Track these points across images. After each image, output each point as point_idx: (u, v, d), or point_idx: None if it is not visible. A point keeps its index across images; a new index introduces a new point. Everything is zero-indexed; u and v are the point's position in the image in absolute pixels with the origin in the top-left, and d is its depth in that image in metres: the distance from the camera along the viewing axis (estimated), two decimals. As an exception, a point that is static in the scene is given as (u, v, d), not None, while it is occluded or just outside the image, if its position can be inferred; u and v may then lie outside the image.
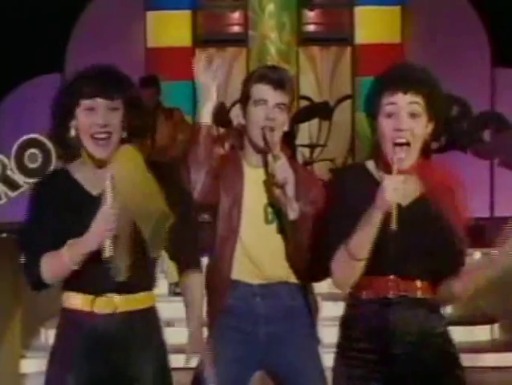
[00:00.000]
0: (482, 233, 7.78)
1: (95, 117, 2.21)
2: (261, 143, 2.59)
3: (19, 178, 8.78)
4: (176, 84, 8.65)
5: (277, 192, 2.52)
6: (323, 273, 2.42)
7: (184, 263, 2.37)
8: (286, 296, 2.62)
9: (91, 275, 2.20)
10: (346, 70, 9.13)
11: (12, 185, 8.79)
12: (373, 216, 2.12)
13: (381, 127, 2.18)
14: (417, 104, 2.16)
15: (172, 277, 5.96)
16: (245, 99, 2.67)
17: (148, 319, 2.29)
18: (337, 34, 9.16)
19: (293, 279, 2.64)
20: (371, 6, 8.96)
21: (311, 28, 9.25)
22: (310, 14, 9.21)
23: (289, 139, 6.85)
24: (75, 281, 2.24)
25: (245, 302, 2.60)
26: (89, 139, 2.22)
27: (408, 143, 2.15)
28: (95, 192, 2.23)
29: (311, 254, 2.51)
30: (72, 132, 2.24)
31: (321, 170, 8.83)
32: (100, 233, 2.13)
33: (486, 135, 8.79)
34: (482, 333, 5.49)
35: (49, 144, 8.65)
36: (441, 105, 2.25)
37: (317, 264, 2.45)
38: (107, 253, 2.14)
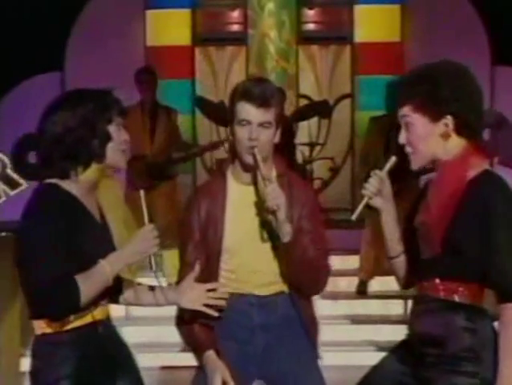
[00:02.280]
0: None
1: (124, 134, 2.36)
2: (247, 161, 2.58)
3: (18, 177, 8.78)
4: (175, 82, 8.66)
5: (269, 216, 2.52)
6: (318, 287, 2.59)
7: None
8: (282, 305, 2.63)
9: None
10: (345, 69, 9.12)
11: (11, 184, 8.80)
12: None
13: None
14: (407, 117, 2.27)
15: (171, 277, 5.97)
16: (231, 117, 2.62)
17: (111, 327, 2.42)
18: (336, 33, 9.15)
19: (286, 289, 2.65)
20: (371, 4, 8.96)
21: (311, 27, 9.24)
22: (310, 13, 9.20)
23: (288, 138, 6.87)
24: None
25: (241, 313, 2.61)
26: (120, 153, 2.34)
27: (411, 153, 2.30)
28: (92, 211, 2.35)
29: (307, 269, 2.54)
30: (95, 143, 2.28)
31: (320, 169, 8.84)
32: (146, 250, 2.27)
33: (486, 133, 8.80)
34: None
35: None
36: (448, 101, 2.28)
37: (312, 278, 2.51)
38: (153, 266, 2.30)
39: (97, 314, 2.30)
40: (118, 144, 2.31)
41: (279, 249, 2.56)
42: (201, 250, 2.61)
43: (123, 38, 8.69)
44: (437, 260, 2.24)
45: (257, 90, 2.57)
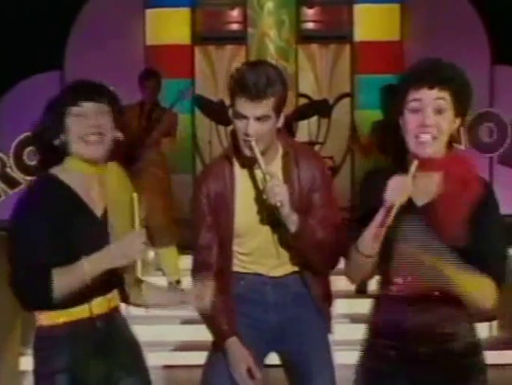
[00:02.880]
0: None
1: (85, 120, 2.26)
2: (245, 154, 2.54)
3: (18, 175, 8.78)
4: (175, 82, 8.65)
5: (275, 210, 2.51)
6: (330, 264, 2.55)
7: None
8: (294, 284, 2.67)
9: (91, 284, 2.24)
10: (345, 68, 9.12)
11: (11, 183, 8.80)
12: (378, 215, 2.13)
13: (406, 122, 2.15)
14: (443, 100, 2.13)
15: (171, 274, 5.97)
16: (231, 106, 2.54)
17: (122, 316, 2.41)
18: (336, 32, 9.15)
19: (298, 269, 2.67)
20: (371, 3, 8.96)
21: (310, 26, 9.24)
22: (309, 12, 9.20)
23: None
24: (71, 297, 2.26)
25: (256, 291, 2.65)
26: (81, 142, 2.26)
27: (433, 138, 2.13)
28: (90, 204, 2.29)
29: (317, 250, 2.54)
30: (62, 138, 2.26)
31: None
32: (135, 255, 2.21)
33: (485, 133, 8.80)
34: (481, 330, 5.47)
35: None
36: (469, 100, 2.22)
37: (322, 257, 2.50)
38: (138, 273, 2.24)
39: (96, 308, 2.27)
40: (76, 134, 2.25)
41: (287, 235, 2.57)
42: (213, 233, 2.60)
43: (122, 37, 8.69)
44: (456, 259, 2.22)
45: (253, 82, 2.43)
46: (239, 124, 2.50)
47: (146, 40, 8.86)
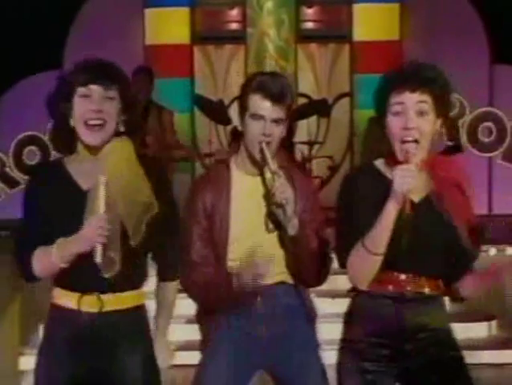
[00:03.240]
0: (480, 231, 7.80)
1: (89, 104, 2.22)
2: (257, 156, 2.56)
3: (17, 175, 8.77)
4: (174, 81, 8.65)
5: (278, 210, 2.51)
6: (321, 278, 2.55)
7: (163, 271, 2.41)
8: (283, 296, 2.63)
9: (79, 272, 2.21)
10: (344, 68, 9.12)
11: (10, 182, 8.79)
12: (387, 209, 2.14)
13: (389, 126, 2.19)
14: (425, 103, 2.17)
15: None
16: (242, 108, 2.58)
17: (136, 318, 2.30)
18: (335, 32, 9.15)
19: (289, 280, 2.65)
20: (370, 3, 8.95)
21: (310, 25, 9.24)
22: (309, 11, 9.20)
23: (287, 137, 6.86)
24: (63, 278, 2.25)
25: (245, 303, 2.61)
26: (83, 126, 2.23)
27: (415, 141, 2.16)
28: (85, 187, 2.24)
29: (312, 259, 2.53)
30: (71, 122, 2.24)
31: (319, 167, 8.84)
32: (92, 238, 2.15)
33: (484, 132, 8.80)
34: (480, 330, 5.50)
35: (47, 141, 8.66)
36: (450, 101, 2.26)
37: (316, 268, 2.49)
38: (98, 258, 2.16)
39: (85, 302, 2.22)
40: (79, 117, 2.22)
41: (284, 240, 2.56)
42: (207, 239, 2.60)
43: (122, 36, 8.69)
44: (438, 258, 2.25)
45: (274, 85, 2.53)
46: (254, 125, 2.54)
47: (145, 39, 8.86)
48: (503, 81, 8.66)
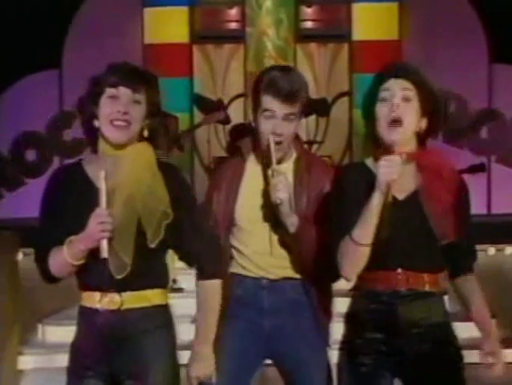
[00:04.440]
0: (480, 230, 7.81)
1: (117, 105, 2.24)
2: (264, 149, 2.58)
3: (17, 174, 8.78)
4: (173, 80, 8.65)
5: (274, 208, 2.53)
6: (332, 275, 2.49)
7: (200, 271, 2.37)
8: (290, 290, 2.65)
9: (97, 272, 2.22)
10: (343, 67, 9.13)
11: (10, 181, 8.80)
12: (372, 199, 2.21)
13: (378, 112, 2.30)
14: (409, 90, 2.29)
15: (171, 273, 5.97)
16: (255, 104, 2.59)
17: (156, 316, 2.30)
18: (335, 31, 9.17)
19: (297, 275, 2.66)
20: (369, 2, 8.97)
21: (309, 25, 9.25)
22: (308, 11, 9.21)
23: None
24: (84, 279, 2.27)
25: (252, 294, 2.63)
26: (108, 125, 2.24)
27: (400, 121, 2.26)
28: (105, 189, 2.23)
29: (317, 258, 2.54)
30: (96, 123, 2.26)
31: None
32: (95, 235, 2.15)
33: (483, 132, 8.81)
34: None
35: (46, 139, 8.67)
36: (434, 102, 2.35)
37: (324, 267, 2.50)
38: (104, 253, 2.16)
39: (106, 302, 2.24)
40: (105, 116, 2.23)
41: (286, 236, 2.57)
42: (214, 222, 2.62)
43: (120, 35, 8.70)
44: (430, 253, 2.29)
45: (284, 83, 2.53)
46: (266, 123, 2.55)
47: (144, 39, 8.87)
48: (502, 80, 8.67)
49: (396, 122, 2.25)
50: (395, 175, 2.18)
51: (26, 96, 8.28)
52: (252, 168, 2.66)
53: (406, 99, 2.28)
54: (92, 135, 2.29)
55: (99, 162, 2.29)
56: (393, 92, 2.28)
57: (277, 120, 2.54)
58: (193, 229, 2.32)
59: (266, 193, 2.57)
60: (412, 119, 2.28)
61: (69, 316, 4.85)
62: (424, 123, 2.31)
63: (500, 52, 8.51)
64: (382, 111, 2.28)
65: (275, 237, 2.61)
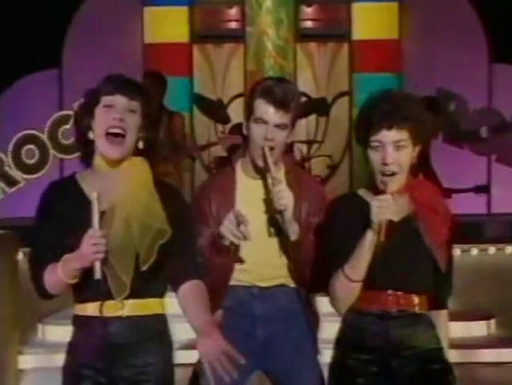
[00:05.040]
0: (480, 230, 7.81)
1: (112, 113, 2.24)
2: (258, 161, 2.59)
3: (16, 174, 8.77)
4: (173, 80, 8.64)
5: (276, 216, 2.52)
6: (322, 286, 2.50)
7: (179, 279, 2.31)
8: (283, 298, 2.64)
9: (94, 286, 2.20)
10: (343, 67, 9.12)
11: (9, 181, 8.79)
12: (365, 237, 2.25)
13: (370, 160, 2.32)
14: (402, 140, 2.29)
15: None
16: (248, 112, 2.62)
17: (156, 325, 2.30)
18: (334, 31, 9.16)
19: (291, 283, 2.65)
20: (369, 2, 8.95)
21: (309, 24, 9.24)
22: (308, 10, 9.20)
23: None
24: (81, 292, 2.27)
25: (243, 304, 2.62)
26: (103, 137, 2.24)
27: (394, 174, 2.28)
28: (102, 205, 2.22)
29: (312, 267, 2.54)
30: (90, 135, 2.25)
31: (318, 166, 8.85)
32: (88, 256, 2.15)
33: (484, 131, 8.81)
34: (479, 328, 5.51)
35: (46, 140, 8.66)
36: (427, 131, 2.40)
37: (316, 276, 2.51)
38: (97, 275, 2.15)
39: (107, 309, 2.23)
40: (101, 125, 2.23)
41: (286, 244, 2.57)
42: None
43: (120, 35, 8.69)
44: (425, 275, 2.33)
45: (278, 91, 2.55)
46: (258, 129, 2.57)
47: (144, 38, 8.86)
48: (502, 80, 8.67)
49: (389, 174, 2.27)
50: (388, 215, 2.21)
51: (25, 96, 8.27)
52: (243, 178, 2.65)
53: (398, 148, 2.28)
54: (87, 150, 2.28)
55: (94, 177, 2.28)
56: (385, 143, 2.27)
57: (269, 126, 2.54)
58: (183, 248, 2.29)
59: (263, 203, 2.58)
60: (406, 163, 2.31)
61: (69, 316, 4.87)
62: (416, 151, 2.34)
63: (500, 52, 8.50)
64: (375, 160, 2.29)
65: (274, 247, 2.61)
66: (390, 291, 2.31)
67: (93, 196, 2.15)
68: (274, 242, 2.60)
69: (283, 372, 2.64)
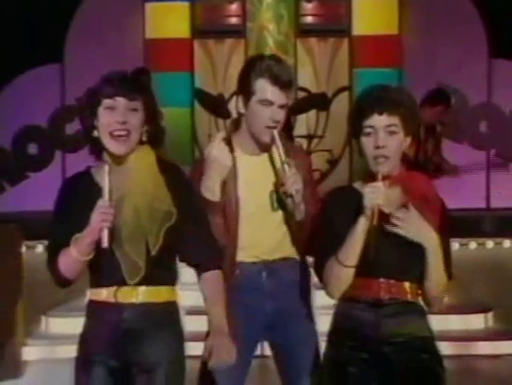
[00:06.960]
0: (479, 224, 7.85)
1: (114, 115, 2.30)
2: (264, 140, 2.61)
3: (19, 168, 8.81)
4: (174, 75, 8.69)
5: (286, 199, 2.58)
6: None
7: (203, 267, 2.41)
8: (288, 271, 2.71)
9: (112, 268, 2.28)
10: (343, 62, 9.16)
11: (12, 175, 8.83)
12: (358, 223, 2.33)
13: (363, 146, 2.40)
14: (393, 125, 2.37)
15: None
16: (246, 92, 2.62)
17: (168, 312, 2.36)
18: (335, 26, 9.18)
19: (295, 256, 2.72)
20: (369, -3, 8.99)
21: (309, 19, 9.27)
22: (308, 6, 9.23)
23: (286, 131, 6.90)
24: (97, 276, 2.33)
25: (251, 279, 2.68)
26: (108, 137, 2.31)
27: (385, 157, 2.36)
28: (113, 197, 2.29)
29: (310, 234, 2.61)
30: (95, 133, 2.31)
31: (318, 161, 8.89)
32: (97, 225, 2.22)
33: (483, 126, 8.85)
34: (477, 321, 5.54)
35: (48, 133, 8.70)
36: (417, 120, 2.49)
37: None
38: (104, 243, 2.22)
39: (121, 295, 2.30)
40: (105, 127, 2.30)
41: (288, 218, 2.64)
42: (220, 215, 2.64)
43: (122, 30, 8.73)
44: (413, 263, 2.38)
45: (282, 72, 2.59)
46: (263, 111, 2.59)
47: (145, 34, 8.89)
48: (502, 75, 8.70)
49: (381, 157, 2.35)
50: (379, 200, 2.30)
51: (28, 90, 8.31)
52: (241, 158, 2.68)
53: (390, 133, 2.36)
54: (94, 145, 2.36)
55: (116, 173, 2.35)
56: (377, 128, 2.36)
57: (274, 107, 2.58)
58: (195, 228, 2.38)
59: (262, 180, 2.63)
60: (398, 149, 2.39)
61: (72, 308, 4.75)
62: (408, 141, 2.42)
63: (500, 47, 8.53)
64: (367, 145, 2.38)
65: (277, 221, 2.67)
66: (382, 279, 2.37)
67: (105, 168, 2.24)
68: (276, 215, 2.65)
69: (291, 341, 2.71)
